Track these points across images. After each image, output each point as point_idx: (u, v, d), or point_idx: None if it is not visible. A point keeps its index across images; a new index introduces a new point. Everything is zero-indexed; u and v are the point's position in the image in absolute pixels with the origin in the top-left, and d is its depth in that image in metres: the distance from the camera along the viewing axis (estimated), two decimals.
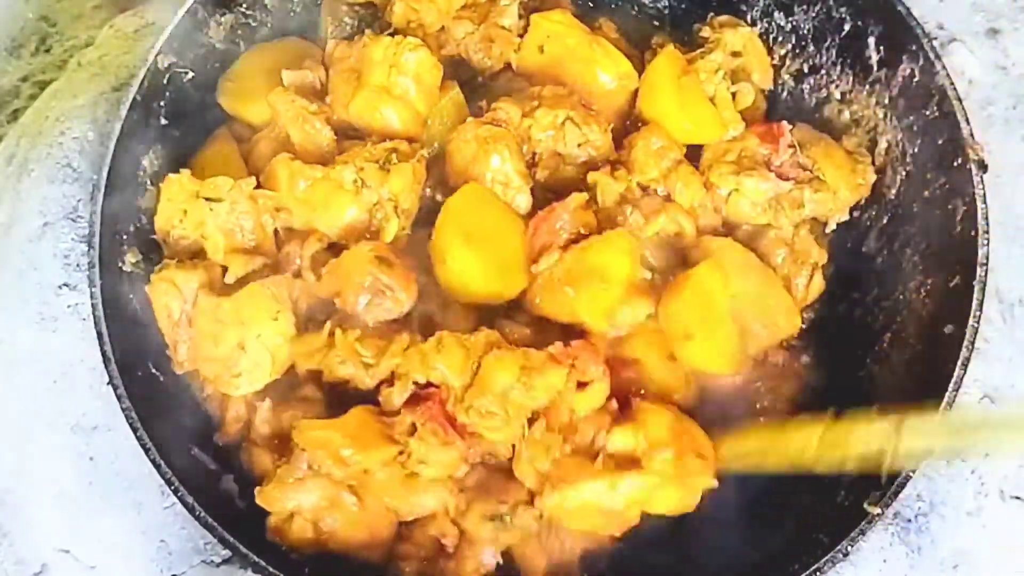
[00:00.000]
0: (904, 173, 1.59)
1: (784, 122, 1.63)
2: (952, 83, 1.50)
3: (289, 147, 1.58)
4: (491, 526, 1.39)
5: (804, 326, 1.61)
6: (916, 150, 1.57)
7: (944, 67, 1.51)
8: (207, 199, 1.48)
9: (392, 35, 1.60)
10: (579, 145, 1.59)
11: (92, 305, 1.45)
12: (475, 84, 1.72)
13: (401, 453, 1.36)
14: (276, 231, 1.54)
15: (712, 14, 1.77)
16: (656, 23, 1.88)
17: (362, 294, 1.42)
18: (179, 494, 1.36)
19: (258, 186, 1.52)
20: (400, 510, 1.41)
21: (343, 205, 1.50)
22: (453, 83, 1.65)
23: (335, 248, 1.51)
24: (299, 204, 1.52)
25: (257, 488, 1.39)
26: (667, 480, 1.36)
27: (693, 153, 1.66)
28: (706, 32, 1.73)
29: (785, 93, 1.79)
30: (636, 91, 1.67)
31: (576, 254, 1.47)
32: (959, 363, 1.37)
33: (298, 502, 1.38)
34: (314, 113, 1.59)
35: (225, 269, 1.48)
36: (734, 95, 1.67)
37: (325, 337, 1.43)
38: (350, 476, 1.37)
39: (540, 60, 1.67)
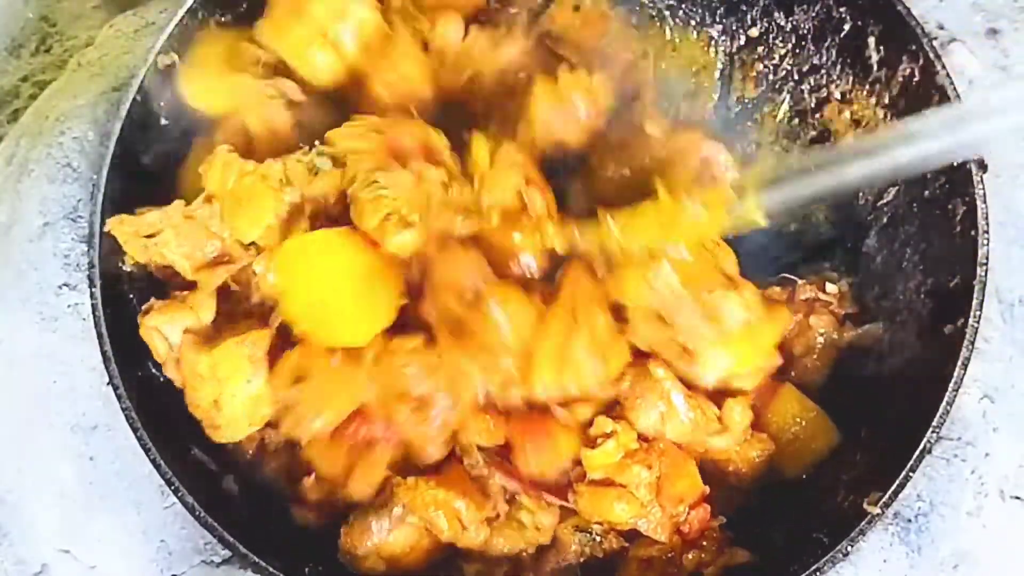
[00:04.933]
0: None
1: None
2: (952, 83, 1.50)
3: (246, 140, 1.53)
4: (579, 537, 1.46)
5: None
6: None
7: (944, 67, 1.51)
8: (147, 236, 1.47)
9: None
10: None
11: (92, 305, 1.45)
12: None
13: (493, 509, 1.42)
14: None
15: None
16: (657, 22, 1.88)
17: None
18: (179, 494, 1.36)
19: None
20: (484, 552, 1.45)
21: (264, 205, 1.43)
22: None
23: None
24: (228, 199, 1.46)
25: (343, 529, 1.42)
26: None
27: None
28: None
29: (785, 93, 1.79)
30: None
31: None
32: (959, 363, 1.37)
33: (382, 546, 1.41)
34: (272, 96, 1.53)
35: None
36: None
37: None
38: (455, 532, 1.40)
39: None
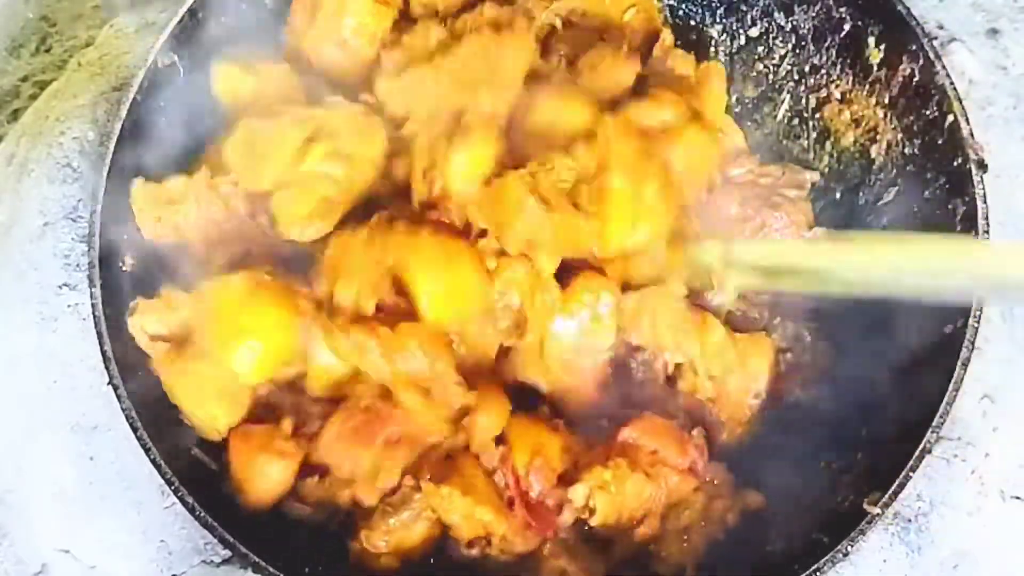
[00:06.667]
0: (904, 173, 1.59)
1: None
2: (952, 83, 1.50)
3: None
4: None
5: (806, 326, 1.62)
6: (916, 150, 1.57)
7: (944, 67, 1.51)
8: (170, 202, 1.49)
9: None
10: None
11: (92, 305, 1.45)
12: None
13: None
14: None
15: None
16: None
17: None
18: (179, 494, 1.36)
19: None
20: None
21: (287, 143, 1.46)
22: None
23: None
24: (247, 149, 1.49)
25: (363, 533, 1.43)
26: None
27: None
28: None
29: (785, 93, 1.79)
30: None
31: None
32: (959, 363, 1.37)
33: (399, 543, 1.43)
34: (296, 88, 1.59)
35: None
36: None
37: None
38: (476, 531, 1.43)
39: None
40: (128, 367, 1.43)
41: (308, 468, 1.46)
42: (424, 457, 1.45)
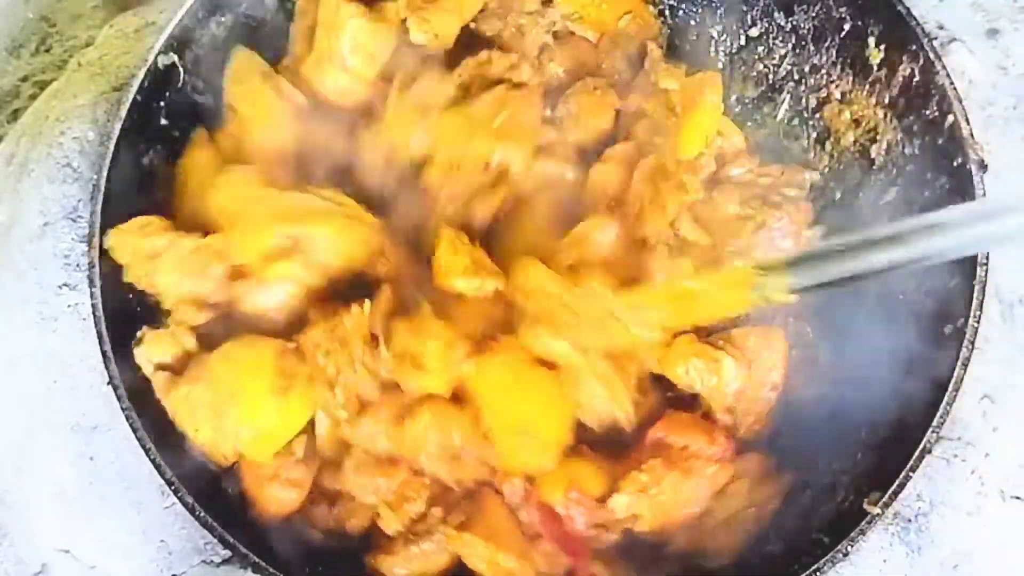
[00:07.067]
0: (904, 173, 1.59)
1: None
2: (952, 83, 1.50)
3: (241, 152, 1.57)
4: None
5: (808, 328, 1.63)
6: (916, 150, 1.57)
7: (944, 67, 1.51)
8: (149, 257, 1.46)
9: None
10: None
11: (92, 305, 1.45)
12: None
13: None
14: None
15: None
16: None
17: None
18: (179, 494, 1.36)
19: None
20: None
21: (264, 234, 1.44)
22: None
23: None
24: (231, 218, 1.46)
25: (381, 557, 1.42)
26: None
27: None
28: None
29: (785, 93, 1.79)
30: None
31: None
32: (959, 363, 1.37)
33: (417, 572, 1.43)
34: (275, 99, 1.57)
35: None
36: None
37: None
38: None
39: None
40: (128, 367, 1.44)
41: (318, 495, 1.47)
42: (447, 491, 1.44)
